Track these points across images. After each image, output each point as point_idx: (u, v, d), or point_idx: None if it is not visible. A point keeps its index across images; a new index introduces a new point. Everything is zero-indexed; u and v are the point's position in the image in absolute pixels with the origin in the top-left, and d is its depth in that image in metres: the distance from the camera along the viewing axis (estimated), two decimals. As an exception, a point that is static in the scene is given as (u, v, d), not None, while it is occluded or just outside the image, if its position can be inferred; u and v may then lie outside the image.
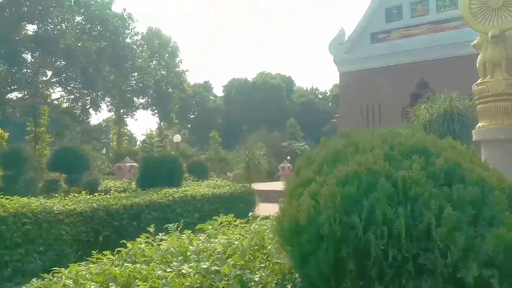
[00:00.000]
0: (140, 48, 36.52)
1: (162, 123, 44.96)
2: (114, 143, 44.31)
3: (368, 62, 22.31)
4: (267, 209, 14.06)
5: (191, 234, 3.25)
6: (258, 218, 4.11)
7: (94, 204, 7.57)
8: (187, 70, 44.79)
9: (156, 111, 42.97)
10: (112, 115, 39.51)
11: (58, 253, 6.86)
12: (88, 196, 8.12)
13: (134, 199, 8.33)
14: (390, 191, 1.61)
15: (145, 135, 33.30)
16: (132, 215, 8.03)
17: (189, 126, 72.23)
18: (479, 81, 6.12)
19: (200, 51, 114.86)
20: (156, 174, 10.20)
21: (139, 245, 2.97)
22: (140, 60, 34.87)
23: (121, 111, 36.93)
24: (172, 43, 44.53)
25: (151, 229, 3.29)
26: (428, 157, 1.86)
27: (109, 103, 34.93)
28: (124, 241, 3.21)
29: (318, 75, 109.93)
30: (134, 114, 36.88)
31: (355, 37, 23.03)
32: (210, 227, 3.32)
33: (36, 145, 21.96)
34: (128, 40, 33.25)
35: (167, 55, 43.15)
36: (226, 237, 2.92)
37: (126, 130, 42.00)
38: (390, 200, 1.59)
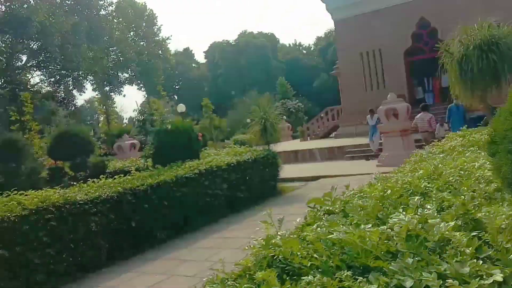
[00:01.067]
0: (116, 20, 34.42)
1: (150, 96, 43.41)
2: (102, 123, 42.81)
3: (363, 6, 21.25)
4: (294, 171, 13.37)
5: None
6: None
7: (119, 188, 6.75)
8: (168, 38, 42.57)
9: (142, 85, 41.29)
10: (97, 94, 37.82)
11: (90, 247, 6.10)
12: (109, 180, 7.27)
13: (159, 177, 7.52)
14: None
15: (136, 110, 31.91)
16: (161, 194, 7.26)
17: (175, 97, 70.56)
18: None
19: (173, 16, 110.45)
20: (173, 147, 9.35)
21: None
22: (117, 33, 32.94)
23: (106, 88, 35.25)
24: (148, 11, 42.22)
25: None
26: None
27: (92, 82, 33.22)
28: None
29: (299, 29, 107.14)
30: (121, 91, 35.28)
31: (348, -19, 21.75)
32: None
33: (24, 135, 20.72)
34: (102, 12, 31.19)
35: (144, 24, 40.95)
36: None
37: (114, 108, 40.42)
38: None
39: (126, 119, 62.53)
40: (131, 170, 8.73)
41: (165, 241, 7.24)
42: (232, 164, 9.14)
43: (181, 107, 20.64)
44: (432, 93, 22.21)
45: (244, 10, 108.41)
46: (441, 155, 4.15)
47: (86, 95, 66.39)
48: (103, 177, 7.52)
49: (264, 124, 11.63)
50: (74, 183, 7.78)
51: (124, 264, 6.36)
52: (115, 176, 7.61)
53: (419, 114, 11.82)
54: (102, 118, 45.40)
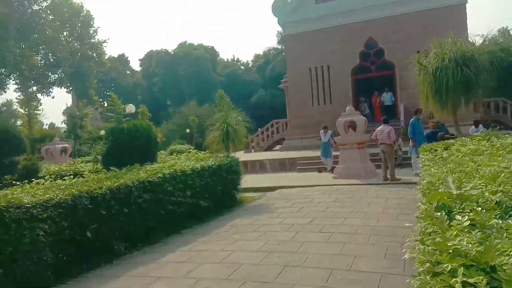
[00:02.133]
0: (50, 17, 31.54)
1: (79, 100, 40.38)
2: (23, 127, 38.72)
3: (315, 22, 21.53)
4: (247, 181, 12.62)
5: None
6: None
7: (74, 191, 5.61)
8: (104, 41, 40.10)
9: (71, 88, 38.26)
10: (20, 95, 34.19)
11: (36, 261, 4.89)
12: (59, 181, 6.06)
13: (118, 180, 6.45)
14: None
15: (65, 114, 29.22)
16: (120, 200, 6.20)
17: (105, 104, 66.82)
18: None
19: (111, 20, 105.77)
20: (130, 148, 8.27)
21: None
22: (50, 30, 30.18)
23: (31, 89, 31.90)
24: (84, 12, 39.49)
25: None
26: None
27: (17, 81, 29.84)
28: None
29: (238, 45, 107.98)
30: (50, 92, 32.01)
31: (299, -3, 21.96)
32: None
33: None
34: (35, 7, 28.35)
35: (79, 24, 38.22)
36: None
37: (38, 111, 36.74)
38: None
39: (47, 124, 57.72)
40: (84, 172, 7.49)
41: (124, 254, 6.18)
42: (197, 170, 8.27)
43: (131, 108, 19.10)
44: (372, 110, 22.76)
45: (185, 22, 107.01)
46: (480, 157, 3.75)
47: (6, 95, 60.47)
48: (48, 179, 6.27)
49: (226, 129, 10.91)
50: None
51: (76, 282, 5.21)
52: (64, 178, 6.40)
53: (380, 127, 11.86)
54: (21, 121, 41.19)
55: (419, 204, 2.09)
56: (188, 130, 38.01)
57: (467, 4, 19.11)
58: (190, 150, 26.28)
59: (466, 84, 7.99)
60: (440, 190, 1.97)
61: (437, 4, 19.22)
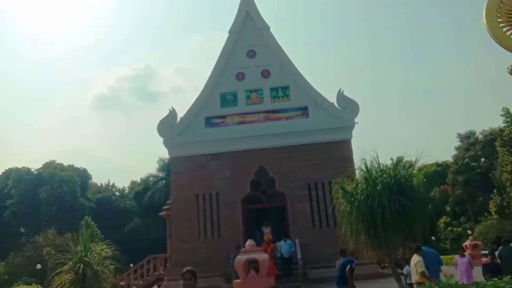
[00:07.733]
0: None
1: None
2: None
3: (203, 147, 20.13)
4: None
5: None
6: None
7: None
8: None
9: None
10: None
11: None
12: None
13: None
14: None
15: None
16: None
17: None
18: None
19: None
20: None
21: None
22: None
23: None
24: None
25: None
26: None
27: None
28: None
29: (114, 171, 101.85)
30: None
31: (188, 120, 20.84)
32: None
33: None
34: None
35: None
36: None
37: None
38: None
39: None
40: None
41: None
42: None
43: None
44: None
45: (55, 141, 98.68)
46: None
47: None
48: None
49: (82, 271, 7.49)
50: None
51: None
52: None
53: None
54: None
55: None
56: (39, 266, 30.79)
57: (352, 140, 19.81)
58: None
59: (404, 217, 6.51)
60: None
61: (325, 139, 19.54)
